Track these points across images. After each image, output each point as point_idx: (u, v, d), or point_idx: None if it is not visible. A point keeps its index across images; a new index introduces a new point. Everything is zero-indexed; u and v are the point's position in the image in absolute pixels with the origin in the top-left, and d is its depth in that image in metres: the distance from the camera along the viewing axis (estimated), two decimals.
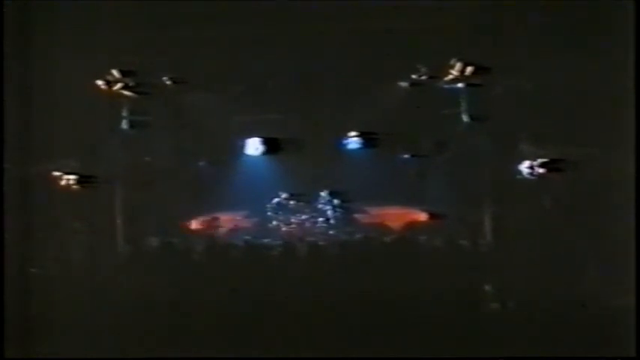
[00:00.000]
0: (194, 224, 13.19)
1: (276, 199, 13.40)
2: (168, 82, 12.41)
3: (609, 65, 10.30)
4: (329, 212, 13.45)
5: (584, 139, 11.29)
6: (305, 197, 13.47)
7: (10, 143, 10.41)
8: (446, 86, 12.36)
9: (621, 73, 9.79)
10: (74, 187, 11.98)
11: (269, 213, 13.38)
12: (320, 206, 13.48)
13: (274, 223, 13.38)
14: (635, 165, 9.31)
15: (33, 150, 11.05)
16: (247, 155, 13.32)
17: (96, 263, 11.74)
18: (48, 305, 10.45)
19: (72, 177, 11.97)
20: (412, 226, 12.91)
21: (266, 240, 12.85)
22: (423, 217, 13.04)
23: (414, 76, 12.43)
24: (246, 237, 12.95)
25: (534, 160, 11.96)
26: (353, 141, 13.17)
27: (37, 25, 10.50)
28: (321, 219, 13.43)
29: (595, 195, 10.93)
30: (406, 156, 13.11)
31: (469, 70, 12.00)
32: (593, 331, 9.42)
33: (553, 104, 11.33)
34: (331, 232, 13.26)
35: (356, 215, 13.39)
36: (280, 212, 13.43)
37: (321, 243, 12.69)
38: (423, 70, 12.32)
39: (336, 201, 13.44)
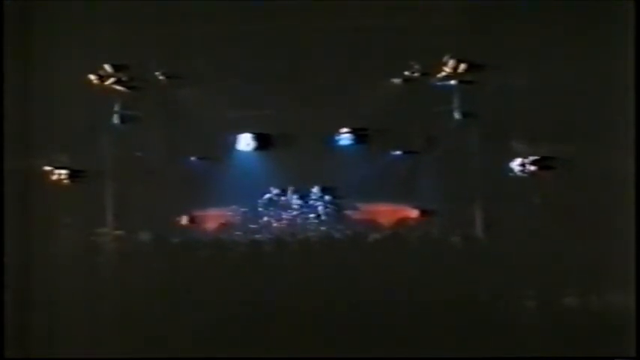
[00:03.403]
0: (185, 219, 13.15)
1: (267, 195, 13.40)
2: (160, 77, 12.35)
3: (605, 64, 10.34)
4: (320, 208, 13.46)
5: (576, 138, 11.34)
6: (296, 193, 13.49)
7: (2, 138, 10.32)
8: (438, 83, 12.37)
9: (617, 72, 9.84)
10: (65, 181, 11.90)
11: (260, 209, 13.38)
12: (311, 202, 13.49)
13: (265, 218, 13.38)
14: (634, 164, 9.35)
15: (24, 145, 10.96)
16: (239, 151, 13.31)
17: (86, 258, 11.68)
18: (40, 299, 10.39)
19: (63, 172, 11.88)
20: (403, 223, 12.92)
21: (257, 236, 12.83)
22: (414, 213, 13.05)
23: (406, 73, 12.43)
24: (237, 232, 12.94)
25: (526, 157, 11.98)
26: (345, 137, 13.18)
27: (34, 21, 10.44)
28: (312, 215, 13.44)
29: (587, 193, 10.97)
30: (398, 153, 13.13)
31: (462, 67, 12.01)
32: (593, 331, 9.48)
33: (545, 102, 11.35)
34: (322, 228, 13.26)
35: (347, 212, 13.39)
36: (271, 208, 13.43)
37: (312, 239, 12.66)
38: (416, 67, 12.32)
39: (327, 197, 13.45)
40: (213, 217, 13.22)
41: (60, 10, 10.60)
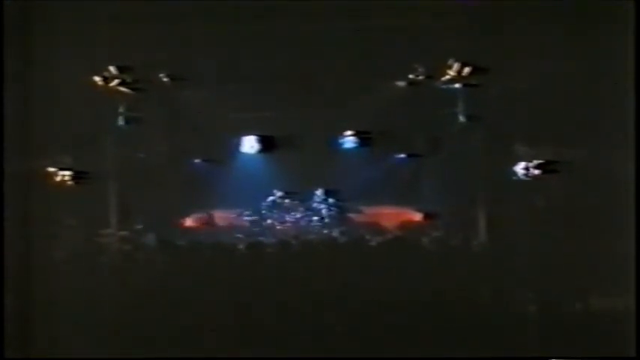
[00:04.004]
0: (189, 221, 13.20)
1: (271, 198, 13.42)
2: (165, 79, 12.35)
3: (607, 66, 10.30)
4: (323, 211, 13.48)
5: (579, 141, 11.29)
6: (300, 196, 13.50)
7: (5, 139, 10.31)
8: (443, 86, 12.34)
9: (619, 74, 9.78)
10: (69, 182, 11.90)
11: (264, 211, 13.40)
12: (315, 205, 13.51)
13: (269, 221, 13.40)
14: (634, 166, 9.31)
15: (28, 146, 10.94)
16: (243, 153, 13.34)
17: (89, 259, 11.63)
18: (42, 299, 10.38)
19: (67, 173, 11.88)
20: (406, 226, 12.92)
21: (261, 238, 12.83)
22: (417, 216, 13.06)
23: (411, 76, 12.42)
24: (241, 235, 12.95)
25: (530, 161, 11.94)
26: (348, 140, 13.21)
27: (35, 21, 10.44)
28: (315, 218, 13.46)
29: (590, 196, 10.92)
30: (402, 155, 13.15)
31: (466, 70, 11.97)
32: (593, 331, 9.44)
33: (549, 106, 11.31)
34: (325, 230, 13.27)
35: (350, 214, 13.42)
36: (275, 211, 13.45)
37: (315, 241, 12.65)
38: (421, 69, 12.31)
39: (330, 200, 13.47)
40: (217, 219, 13.26)
41: (62, 10, 10.58)
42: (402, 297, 10.46)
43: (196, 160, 13.17)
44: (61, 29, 10.68)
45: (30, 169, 10.93)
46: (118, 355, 9.83)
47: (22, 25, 10.11)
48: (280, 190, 13.45)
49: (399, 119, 12.68)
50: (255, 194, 13.31)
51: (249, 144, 13.30)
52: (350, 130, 13.13)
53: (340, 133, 13.18)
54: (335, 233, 13.04)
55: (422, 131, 12.92)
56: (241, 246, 12.24)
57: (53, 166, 11.81)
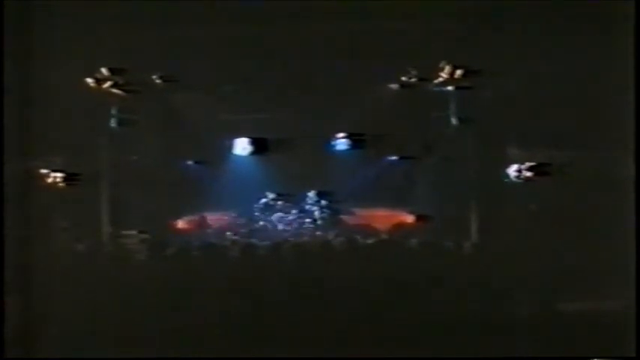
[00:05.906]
0: (181, 223, 13.17)
1: (263, 200, 13.40)
2: (157, 81, 12.34)
3: (604, 67, 10.35)
4: (316, 213, 13.47)
5: (573, 143, 11.34)
6: (292, 198, 13.49)
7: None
8: (435, 89, 12.39)
9: (615, 76, 9.84)
10: (61, 184, 11.86)
11: (256, 213, 13.39)
12: (307, 207, 13.50)
13: (261, 223, 13.38)
14: (635, 166, 9.37)
15: (20, 147, 10.90)
16: (235, 155, 13.32)
17: (82, 261, 11.61)
18: (40, 300, 10.36)
19: (59, 175, 11.84)
20: (399, 228, 12.93)
21: (253, 240, 12.81)
22: (410, 219, 13.07)
23: (403, 78, 12.45)
24: (234, 237, 12.94)
25: (522, 163, 11.98)
26: (341, 142, 13.20)
27: (33, 22, 10.41)
28: (308, 220, 13.45)
29: (584, 198, 10.96)
30: (394, 158, 13.16)
31: (459, 72, 12.02)
32: (593, 331, 9.48)
33: (543, 108, 11.35)
34: (318, 232, 13.26)
35: (343, 216, 13.42)
36: (267, 212, 13.44)
37: (308, 243, 12.64)
38: (413, 72, 12.34)
39: (323, 202, 13.46)
40: (209, 221, 13.25)
41: (58, 11, 10.57)
42: (395, 298, 10.48)
43: (189, 162, 13.14)
44: (57, 31, 10.66)
45: (22, 170, 10.89)
46: (117, 355, 9.83)
47: (20, 27, 10.10)
48: (273, 192, 13.42)
49: (391, 122, 12.69)
50: (247, 196, 13.29)
51: (242, 146, 13.28)
52: (343, 132, 13.12)
53: (333, 135, 13.17)
54: (328, 235, 13.02)
55: (415, 133, 12.92)
56: (233, 248, 12.24)
57: (45, 168, 11.77)
